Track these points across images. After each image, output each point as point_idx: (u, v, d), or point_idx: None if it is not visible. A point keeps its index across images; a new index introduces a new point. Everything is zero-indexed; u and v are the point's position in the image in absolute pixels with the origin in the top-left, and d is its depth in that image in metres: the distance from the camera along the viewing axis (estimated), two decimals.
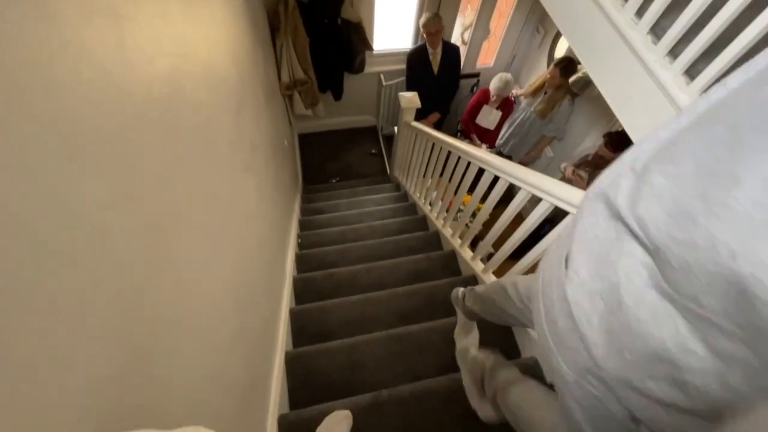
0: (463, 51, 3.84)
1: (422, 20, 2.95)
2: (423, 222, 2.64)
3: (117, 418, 0.45)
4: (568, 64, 2.71)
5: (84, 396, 0.40)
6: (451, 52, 3.16)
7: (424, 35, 3.01)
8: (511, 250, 1.46)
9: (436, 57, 3.12)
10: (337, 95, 3.55)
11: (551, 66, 2.77)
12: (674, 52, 1.21)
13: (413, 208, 2.92)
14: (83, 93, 0.44)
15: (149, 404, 0.53)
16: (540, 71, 3.57)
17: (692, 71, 1.17)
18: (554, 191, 1.12)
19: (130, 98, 0.55)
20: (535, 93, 2.98)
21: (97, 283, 0.44)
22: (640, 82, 1.30)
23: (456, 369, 1.41)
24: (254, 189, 1.43)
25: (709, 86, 1.12)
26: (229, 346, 0.92)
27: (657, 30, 1.27)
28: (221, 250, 0.94)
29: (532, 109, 3.01)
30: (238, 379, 0.95)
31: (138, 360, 0.51)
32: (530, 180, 1.24)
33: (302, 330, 1.66)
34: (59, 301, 0.37)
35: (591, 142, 3.00)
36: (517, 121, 3.16)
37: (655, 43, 1.25)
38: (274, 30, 2.71)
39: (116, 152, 0.50)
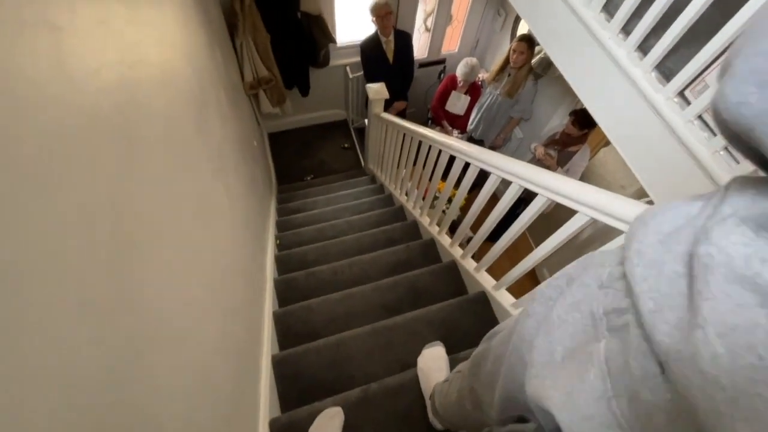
0: (426, 38, 3.84)
1: (370, 5, 2.93)
2: (400, 212, 2.65)
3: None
4: (532, 36, 2.75)
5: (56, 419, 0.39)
6: (403, 38, 3.14)
7: (375, 21, 2.97)
8: (488, 233, 1.49)
9: (389, 45, 3.08)
10: (304, 91, 3.50)
11: (515, 41, 2.79)
12: (627, 29, 1.25)
13: (390, 199, 2.93)
14: (18, 111, 0.42)
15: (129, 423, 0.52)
16: (504, 53, 3.61)
17: (644, 46, 1.20)
18: (522, 173, 1.14)
19: (75, 112, 0.52)
20: (498, 74, 3.00)
21: (57, 302, 0.42)
22: (596, 60, 1.33)
23: None
24: (225, 193, 1.39)
25: (661, 61, 1.16)
26: (211, 354, 0.91)
27: (610, 7, 1.30)
28: (194, 259, 0.92)
29: (498, 92, 3.05)
30: (223, 388, 0.94)
31: (115, 379, 0.50)
32: (497, 163, 1.27)
33: (288, 331, 1.65)
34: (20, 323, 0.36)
35: (558, 121, 3.07)
36: (485, 105, 3.20)
37: (609, 21, 1.28)
38: (232, 28, 2.63)
39: (64, 168, 0.48)
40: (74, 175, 0.50)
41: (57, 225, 0.44)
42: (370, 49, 3.12)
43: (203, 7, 1.85)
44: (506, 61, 2.93)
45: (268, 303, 1.69)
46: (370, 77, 3.24)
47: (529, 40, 2.75)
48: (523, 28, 3.41)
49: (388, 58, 3.15)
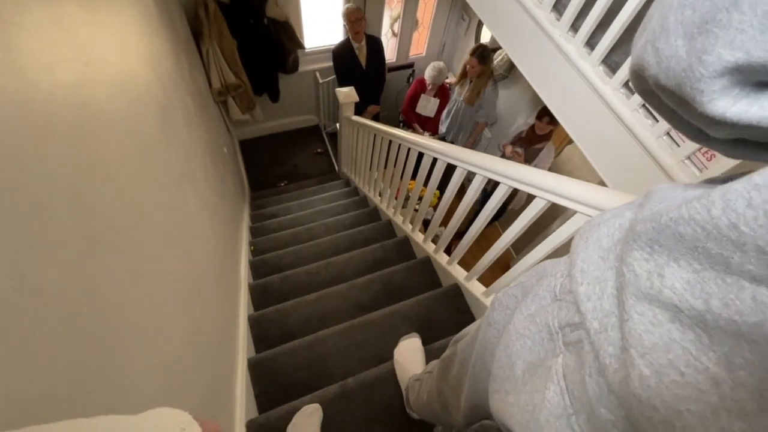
0: (394, 43, 3.91)
1: (342, 10, 2.97)
2: (375, 213, 2.68)
3: None
4: (483, 50, 2.83)
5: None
6: (375, 42, 3.20)
7: (347, 26, 3.02)
8: (457, 226, 1.53)
9: (362, 50, 3.14)
10: (274, 97, 3.49)
11: (468, 56, 2.88)
12: (575, 26, 1.32)
13: (365, 201, 2.95)
14: None
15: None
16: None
17: (591, 42, 1.28)
18: (484, 164, 1.19)
19: (24, 107, 0.52)
20: (460, 81, 3.08)
21: (8, 299, 0.42)
22: (550, 57, 1.41)
23: None
24: (193, 199, 1.38)
25: (606, 55, 1.24)
26: (181, 358, 0.90)
27: (559, 7, 1.38)
28: (161, 262, 0.91)
29: (461, 99, 3.12)
30: (196, 393, 0.93)
31: (78, 380, 0.49)
32: (462, 156, 1.31)
33: (264, 335, 1.64)
34: None
35: (523, 120, 3.18)
36: (452, 111, 3.27)
37: (558, 19, 1.36)
38: (197, 35, 2.61)
39: (14, 165, 0.48)
40: (28, 173, 0.50)
41: (6, 225, 0.44)
42: (342, 55, 3.16)
43: (167, 14, 1.84)
44: (464, 73, 3.02)
45: (243, 307, 1.67)
46: (344, 83, 3.27)
47: (480, 55, 2.81)
48: (486, 33, 3.53)
49: (361, 63, 3.19)
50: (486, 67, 2.86)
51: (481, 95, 2.99)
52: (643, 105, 1.18)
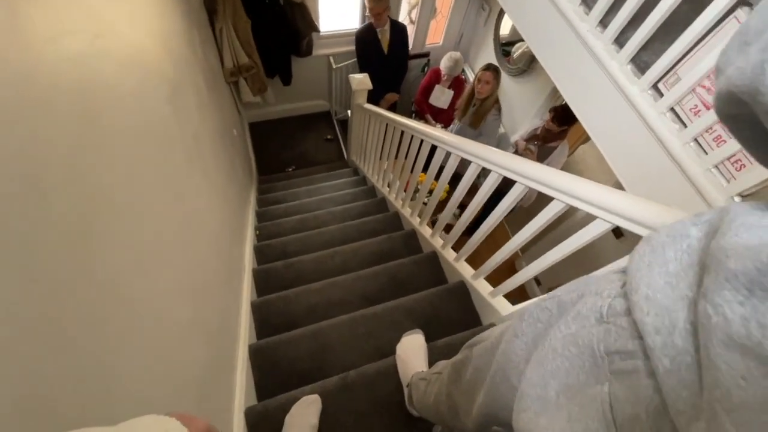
0: (411, 30, 3.82)
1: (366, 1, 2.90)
2: (383, 204, 2.65)
3: (55, 416, 0.42)
4: (498, 68, 2.72)
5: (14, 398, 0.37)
6: (399, 30, 3.13)
7: (371, 16, 2.96)
8: (468, 222, 1.50)
9: (384, 35, 3.07)
10: (286, 80, 3.44)
11: (481, 70, 2.71)
12: (604, 22, 1.27)
13: (372, 191, 2.92)
14: None
15: (91, 405, 0.50)
16: (487, 48, 3.64)
17: (621, 39, 1.23)
18: (501, 161, 1.15)
19: (29, 80, 0.49)
20: (465, 109, 2.91)
21: (16, 284, 0.40)
22: (575, 52, 1.35)
23: None
24: (201, 179, 1.36)
25: (636, 54, 1.18)
26: (181, 340, 0.88)
27: (588, 1, 1.32)
28: (165, 242, 0.89)
29: (462, 123, 3.01)
30: (193, 376, 0.92)
31: (74, 357, 0.48)
32: (478, 152, 1.27)
33: (266, 321, 1.63)
34: None
35: (539, 116, 3.11)
36: (453, 131, 3.18)
37: (587, 14, 1.30)
38: (211, 12, 2.55)
39: (13, 138, 0.45)
40: (29, 148, 0.47)
41: (5, 202, 0.42)
42: (364, 39, 3.10)
43: None
44: (472, 94, 2.84)
45: (246, 292, 1.66)
46: (364, 68, 3.21)
47: (495, 70, 2.66)
48: (506, 25, 3.44)
49: (383, 48, 3.12)
50: (497, 84, 2.71)
51: (484, 120, 2.82)
52: (671, 109, 1.13)
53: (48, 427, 0.42)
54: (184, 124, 1.28)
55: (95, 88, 0.68)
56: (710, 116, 1.00)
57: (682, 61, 1.08)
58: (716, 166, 1.04)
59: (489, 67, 2.68)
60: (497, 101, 2.82)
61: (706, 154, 1.06)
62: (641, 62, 1.20)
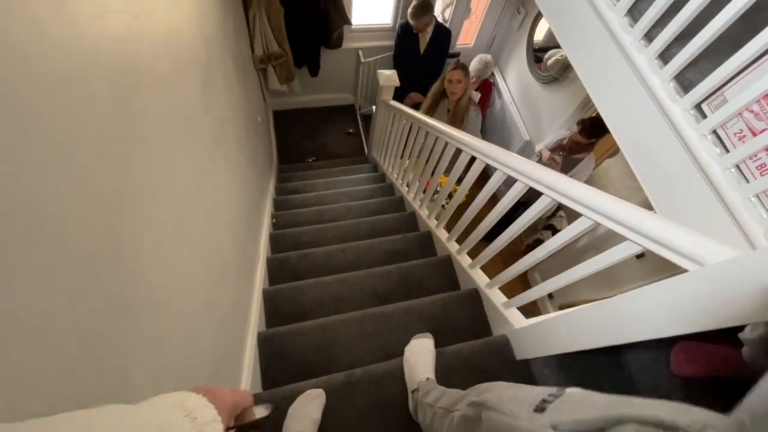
0: None
1: (409, 15, 2.86)
2: (400, 203, 2.63)
3: (77, 393, 0.42)
4: (464, 65, 2.54)
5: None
6: (441, 33, 3.08)
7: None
8: (487, 230, 1.47)
9: (425, 35, 3.04)
10: (314, 71, 3.44)
11: (449, 70, 2.49)
12: (650, 36, 1.22)
13: (390, 188, 2.90)
14: (16, 46, 0.39)
15: (109, 383, 0.50)
16: (519, 53, 3.56)
17: (666, 55, 1.18)
18: (529, 172, 1.12)
19: (72, 56, 0.49)
20: (431, 110, 2.71)
21: (35, 249, 0.40)
22: (615, 64, 1.30)
23: None
24: (224, 163, 1.37)
25: (681, 71, 1.13)
26: (197, 322, 0.89)
27: (634, 12, 1.27)
28: (186, 223, 0.90)
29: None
30: (206, 358, 0.93)
31: (97, 334, 0.48)
32: (506, 161, 1.24)
33: (276, 310, 1.64)
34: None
35: (566, 126, 3.04)
36: None
37: (632, 26, 1.26)
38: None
39: (57, 111, 0.45)
40: (68, 124, 0.47)
41: (47, 173, 0.42)
42: (405, 32, 3.09)
43: None
44: (440, 94, 2.65)
45: (259, 280, 1.67)
46: (398, 63, 3.19)
47: (464, 68, 2.47)
48: (540, 31, 3.36)
49: (419, 48, 3.10)
50: (468, 83, 2.53)
51: (464, 121, 2.57)
52: (714, 131, 1.08)
53: (70, 403, 0.42)
54: (212, 108, 1.29)
55: (131, 67, 0.69)
56: (756, 142, 0.95)
57: (731, 83, 1.03)
58: (757, 196, 0.99)
59: (458, 65, 2.48)
60: (471, 99, 2.61)
61: (748, 182, 1.01)
62: (685, 80, 1.15)
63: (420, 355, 1.29)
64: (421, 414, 1.04)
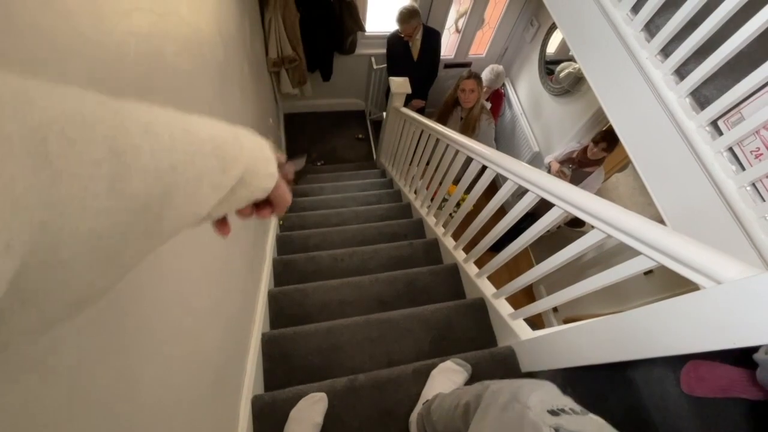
0: (455, 39, 3.80)
1: (397, 20, 2.85)
2: (407, 209, 2.63)
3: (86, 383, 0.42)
4: (477, 75, 2.58)
5: None
6: (431, 36, 3.07)
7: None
8: (493, 242, 1.47)
9: (415, 42, 3.03)
10: (326, 75, 3.47)
11: (463, 79, 2.52)
12: (666, 51, 1.22)
13: (398, 195, 2.90)
14: (48, 37, 0.40)
15: (114, 382, 0.50)
16: (531, 64, 3.57)
17: (682, 71, 1.17)
18: (542, 183, 1.12)
19: (100, 51, 0.50)
20: (442, 117, 2.72)
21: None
22: (630, 78, 1.30)
23: (433, 355, 1.42)
24: None
25: (697, 88, 1.13)
26: (204, 321, 0.89)
27: (651, 27, 1.27)
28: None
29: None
30: (211, 356, 0.93)
31: (103, 326, 0.48)
32: (518, 171, 1.24)
33: (281, 312, 1.64)
34: None
35: (577, 139, 3.04)
36: None
37: (648, 41, 1.26)
38: (262, 3, 2.60)
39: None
40: None
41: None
42: (395, 42, 3.08)
43: None
44: (453, 103, 2.65)
45: (265, 280, 1.67)
46: (393, 71, 3.20)
47: (477, 77, 2.51)
48: (553, 43, 3.37)
49: (412, 54, 3.10)
50: (481, 92, 2.55)
51: (476, 130, 2.59)
52: (730, 149, 1.08)
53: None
54: (227, 108, 1.30)
55: (154, 64, 0.70)
56: None
57: (748, 100, 1.03)
58: None
59: (471, 75, 2.52)
60: (483, 108, 2.64)
61: (764, 200, 0.99)
62: (701, 96, 1.15)
63: (448, 380, 1.23)
64: (434, 415, 1.00)
